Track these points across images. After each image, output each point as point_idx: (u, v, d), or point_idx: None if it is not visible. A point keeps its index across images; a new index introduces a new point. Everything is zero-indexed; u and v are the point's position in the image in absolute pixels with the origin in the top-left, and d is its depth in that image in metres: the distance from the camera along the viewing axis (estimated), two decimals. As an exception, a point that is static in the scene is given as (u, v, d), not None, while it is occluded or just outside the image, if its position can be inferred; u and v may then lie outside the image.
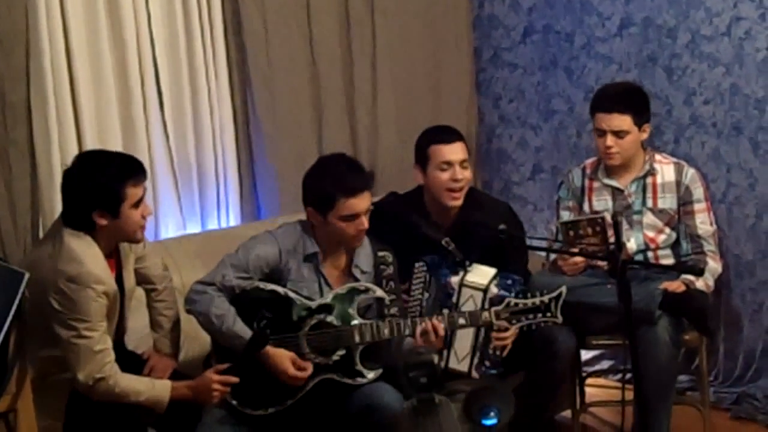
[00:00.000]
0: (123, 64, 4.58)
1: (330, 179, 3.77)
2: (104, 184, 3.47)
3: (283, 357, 3.70)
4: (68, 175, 3.57)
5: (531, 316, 3.75)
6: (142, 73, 4.65)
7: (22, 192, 4.27)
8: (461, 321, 3.76)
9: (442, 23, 5.63)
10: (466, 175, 4.10)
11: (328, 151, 5.17)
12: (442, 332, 3.73)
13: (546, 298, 3.74)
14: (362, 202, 3.75)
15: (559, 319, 3.74)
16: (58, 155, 4.36)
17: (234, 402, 3.72)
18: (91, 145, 4.48)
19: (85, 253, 3.48)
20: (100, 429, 3.56)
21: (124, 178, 3.49)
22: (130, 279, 3.75)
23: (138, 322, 3.97)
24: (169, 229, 4.80)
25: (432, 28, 5.60)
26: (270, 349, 3.69)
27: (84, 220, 3.50)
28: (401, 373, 3.14)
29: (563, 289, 3.76)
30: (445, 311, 3.83)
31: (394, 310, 3.84)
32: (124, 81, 4.60)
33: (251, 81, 4.95)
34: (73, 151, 4.41)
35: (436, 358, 3.86)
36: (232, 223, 5.00)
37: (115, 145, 4.55)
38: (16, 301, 3.36)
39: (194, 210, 4.91)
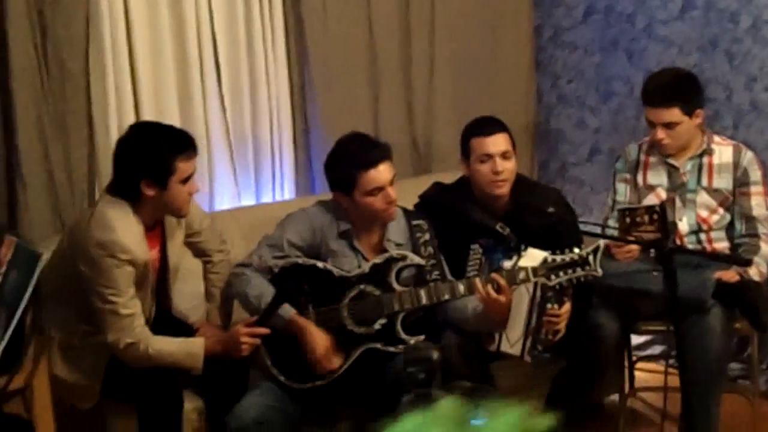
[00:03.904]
0: (181, 35, 4.62)
1: (346, 158, 3.82)
2: (156, 155, 3.51)
3: (319, 338, 3.73)
4: (122, 143, 3.63)
5: (570, 270, 3.71)
6: (200, 44, 4.68)
7: (79, 160, 4.34)
8: (499, 280, 3.73)
9: (502, 0, 5.60)
10: (507, 166, 4.07)
11: (383, 125, 5.21)
12: (503, 282, 3.70)
13: (584, 252, 3.70)
14: (383, 174, 3.78)
15: (599, 272, 3.69)
16: (116, 124, 4.42)
17: (282, 378, 3.75)
18: (148, 114, 4.53)
19: (118, 220, 3.51)
20: (136, 390, 3.61)
21: (176, 151, 3.53)
22: (175, 252, 3.79)
23: (189, 291, 4.04)
24: (224, 202, 4.84)
25: (492, 5, 5.58)
26: (312, 326, 3.73)
27: (131, 189, 3.54)
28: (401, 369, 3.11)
29: (600, 242, 3.74)
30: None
31: (435, 275, 3.88)
32: (182, 52, 4.63)
33: (309, 54, 4.96)
34: (131, 121, 4.47)
35: (496, 339, 3.86)
36: (287, 196, 5.03)
37: (172, 116, 4.59)
38: (33, 281, 3.40)
39: (249, 183, 4.94)
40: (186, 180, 3.56)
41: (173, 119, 4.59)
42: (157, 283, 3.76)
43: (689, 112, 4.28)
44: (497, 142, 4.08)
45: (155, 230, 3.70)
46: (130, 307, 3.52)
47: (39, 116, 4.23)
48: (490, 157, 4.06)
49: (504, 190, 4.09)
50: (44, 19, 4.21)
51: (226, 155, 4.83)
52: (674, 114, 4.26)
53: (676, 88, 4.32)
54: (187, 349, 3.62)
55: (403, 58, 5.31)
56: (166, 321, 3.82)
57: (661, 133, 4.29)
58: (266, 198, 4.98)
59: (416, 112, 5.38)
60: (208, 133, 4.75)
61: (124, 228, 3.51)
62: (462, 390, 2.96)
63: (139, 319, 3.55)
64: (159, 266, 3.76)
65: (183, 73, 4.65)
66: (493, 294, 3.71)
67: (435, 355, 2.79)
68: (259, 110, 4.90)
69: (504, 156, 4.07)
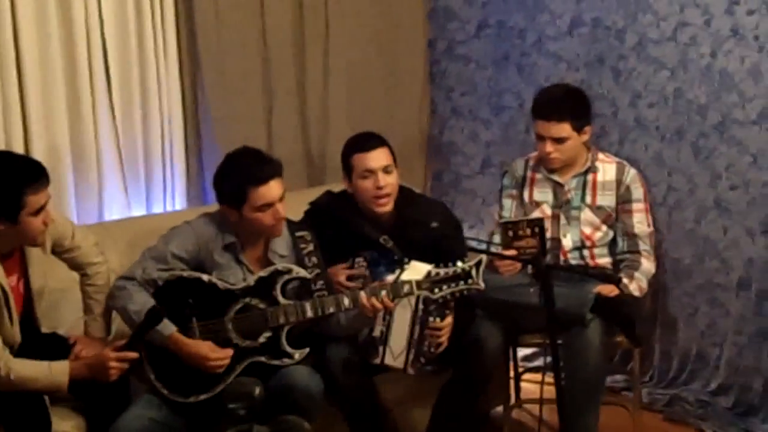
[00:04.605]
0: (71, 43, 4.55)
1: (237, 173, 3.83)
2: (3, 191, 3.42)
3: (200, 344, 3.74)
4: None
5: (453, 284, 3.74)
6: (90, 53, 4.61)
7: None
8: (383, 293, 3.77)
9: (397, 13, 5.62)
10: (389, 180, 4.10)
11: (277, 136, 5.21)
12: (387, 301, 3.75)
13: (466, 266, 3.74)
14: (273, 190, 3.80)
15: (481, 285, 3.74)
16: (2, 135, 4.35)
17: (165, 391, 3.74)
18: (36, 124, 4.46)
19: None
20: (2, 410, 3.52)
21: (24, 185, 3.43)
22: (37, 276, 3.73)
23: (69, 306, 4.01)
24: (114, 212, 4.79)
25: (387, 17, 5.59)
26: (187, 341, 3.73)
27: None
28: (221, 404, 3.12)
29: (483, 257, 3.78)
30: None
31: (320, 284, 3.89)
32: (72, 61, 4.57)
33: (201, 64, 4.93)
34: (18, 131, 4.40)
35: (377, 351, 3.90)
36: (178, 206, 5.00)
37: (61, 125, 4.54)
38: None
39: (140, 192, 4.90)
40: (38, 211, 3.48)
41: (62, 128, 4.55)
42: (24, 307, 3.70)
43: (578, 129, 4.38)
44: (378, 157, 4.11)
45: (14, 256, 3.63)
46: None
47: None
48: (371, 172, 4.09)
49: (387, 207, 4.12)
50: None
51: (116, 164, 4.77)
52: (564, 129, 4.34)
53: (568, 104, 4.42)
54: (51, 377, 3.54)
55: (297, 69, 5.31)
56: (36, 342, 3.75)
57: (549, 147, 4.37)
58: (157, 208, 4.95)
59: (310, 123, 5.38)
60: (97, 142, 4.69)
61: None
62: (278, 426, 2.96)
63: None
64: (24, 291, 3.70)
65: (72, 81, 4.58)
66: (378, 306, 3.75)
67: (256, 391, 2.80)
68: (150, 120, 4.86)
69: (385, 170, 4.10)
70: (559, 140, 4.36)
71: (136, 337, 3.61)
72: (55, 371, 3.56)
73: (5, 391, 3.49)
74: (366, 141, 4.17)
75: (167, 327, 3.70)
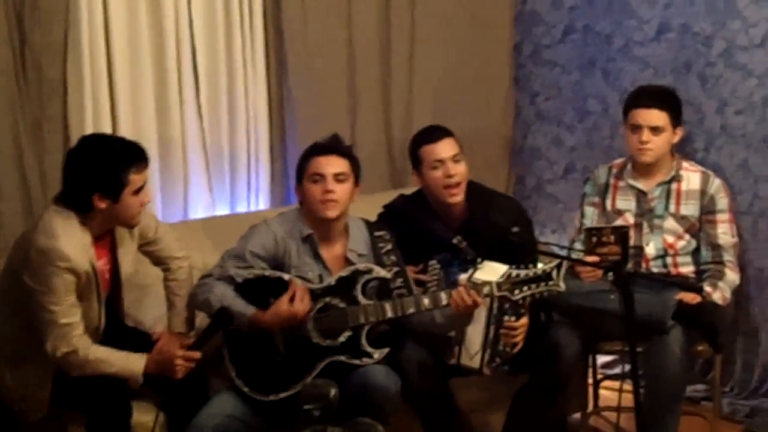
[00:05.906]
0: (160, 43, 4.65)
1: (308, 148, 3.97)
2: (109, 168, 3.51)
3: (276, 305, 3.74)
4: (73, 155, 3.63)
5: (534, 285, 3.73)
6: (179, 53, 4.70)
7: (53, 165, 4.33)
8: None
9: (483, 16, 5.62)
10: (459, 169, 4.11)
11: (361, 138, 5.23)
12: (474, 297, 3.74)
13: (547, 267, 3.73)
14: (328, 163, 3.86)
15: (562, 287, 3.72)
16: (92, 131, 4.41)
17: (246, 389, 3.77)
18: (124, 122, 4.56)
19: (62, 228, 3.50)
20: (84, 399, 3.61)
21: (128, 164, 3.54)
22: (127, 262, 3.80)
23: (152, 301, 4.08)
24: (198, 211, 4.86)
25: (473, 20, 5.59)
26: (265, 312, 3.74)
27: (82, 201, 3.54)
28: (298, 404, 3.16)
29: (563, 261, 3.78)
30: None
31: (399, 282, 3.92)
32: (161, 61, 4.66)
33: (287, 65, 4.98)
34: (107, 128, 4.49)
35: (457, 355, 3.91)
36: (262, 206, 5.05)
37: (149, 124, 4.64)
38: None
39: (224, 192, 4.96)
40: (138, 191, 3.58)
41: (150, 127, 4.63)
42: (110, 292, 3.77)
43: (674, 124, 4.39)
44: (446, 147, 4.14)
45: (104, 240, 3.70)
46: (69, 316, 3.51)
47: (15, 120, 4.24)
48: (441, 162, 4.11)
49: (458, 198, 4.12)
50: (23, 24, 4.23)
51: (201, 164, 4.85)
52: (663, 118, 4.37)
53: (667, 97, 4.47)
54: (126, 364, 3.62)
55: (382, 71, 5.34)
56: (119, 331, 3.83)
57: (646, 136, 4.35)
58: (241, 208, 5.01)
59: (394, 125, 5.40)
60: (184, 142, 4.77)
61: (68, 236, 3.50)
62: (352, 428, 2.97)
63: (78, 328, 3.54)
64: (111, 276, 3.77)
65: (161, 81, 4.68)
66: (468, 301, 3.75)
67: (332, 392, 2.82)
68: (236, 120, 4.93)
69: (454, 159, 4.12)
70: (656, 129, 4.35)
71: (203, 338, 3.67)
72: (132, 360, 3.63)
73: (86, 377, 3.57)
74: (432, 132, 4.21)
75: (248, 309, 3.73)
